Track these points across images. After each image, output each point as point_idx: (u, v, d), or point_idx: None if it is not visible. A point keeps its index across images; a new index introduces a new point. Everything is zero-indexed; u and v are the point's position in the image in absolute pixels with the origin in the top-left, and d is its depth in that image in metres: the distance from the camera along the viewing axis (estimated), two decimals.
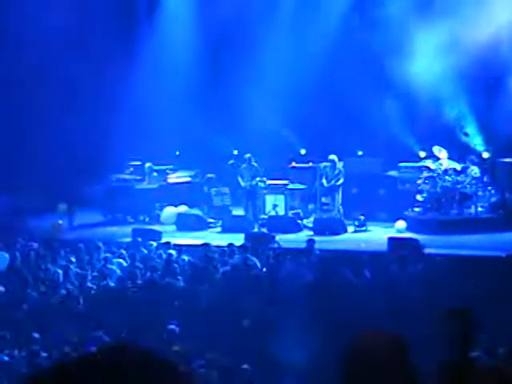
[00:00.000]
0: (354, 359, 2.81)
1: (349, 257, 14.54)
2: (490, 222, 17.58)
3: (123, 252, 15.19)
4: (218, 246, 15.35)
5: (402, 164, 19.22)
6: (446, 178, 17.98)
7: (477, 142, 19.15)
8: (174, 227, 19.30)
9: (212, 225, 19.46)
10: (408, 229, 17.74)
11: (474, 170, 18.16)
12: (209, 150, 21.58)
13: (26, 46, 20.95)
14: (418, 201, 18.27)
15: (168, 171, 21.41)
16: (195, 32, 22.49)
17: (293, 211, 19.25)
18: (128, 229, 18.17)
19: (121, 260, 14.75)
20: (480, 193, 18.10)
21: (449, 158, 18.32)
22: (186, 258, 14.73)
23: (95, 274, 14.08)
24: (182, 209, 20.06)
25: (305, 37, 20.83)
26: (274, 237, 16.71)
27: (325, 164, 19.01)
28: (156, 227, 18.45)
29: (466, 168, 18.18)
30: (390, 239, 15.81)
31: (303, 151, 21.05)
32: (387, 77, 19.22)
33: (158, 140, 21.09)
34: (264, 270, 13.90)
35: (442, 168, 18.07)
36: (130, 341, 2.21)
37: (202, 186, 20.78)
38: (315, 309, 11.21)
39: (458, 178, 18.02)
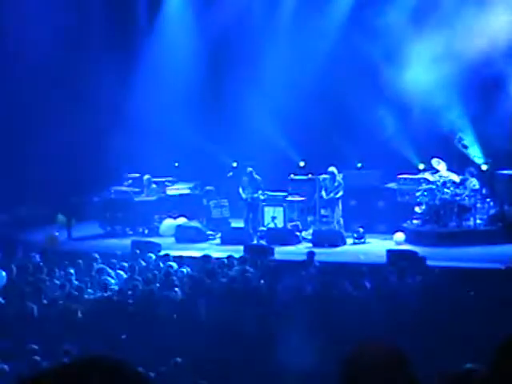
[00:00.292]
0: (354, 371, 2.81)
1: (348, 269, 14.54)
2: (489, 235, 17.56)
3: (123, 264, 15.16)
4: (217, 258, 15.35)
5: (400, 176, 19.22)
6: (445, 190, 17.98)
7: (475, 153, 19.16)
8: (173, 239, 19.29)
9: (211, 237, 19.46)
10: (407, 241, 17.74)
11: (473, 182, 18.17)
12: (208, 161, 21.58)
13: (24, 51, 20.91)
14: (417, 213, 18.27)
15: (167, 183, 21.41)
16: (195, 41, 22.47)
17: (292, 223, 19.25)
18: (127, 241, 18.15)
19: (121, 272, 14.73)
20: (479, 205, 18.10)
21: (448, 170, 18.33)
22: (184, 270, 14.72)
23: (93, 285, 14.05)
24: (181, 221, 20.06)
25: (304, 48, 20.85)
26: (273, 249, 16.72)
27: (324, 176, 19.02)
28: (155, 239, 18.44)
29: (465, 180, 18.20)
30: (389, 251, 15.80)
31: (302, 163, 21.07)
32: (386, 88, 19.25)
33: (156, 152, 21.09)
34: (262, 281, 13.89)
35: (441, 180, 18.08)
36: (120, 352, 2.22)
37: (200, 198, 20.77)
38: (314, 321, 11.20)
39: (457, 191, 18.02)
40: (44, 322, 12.51)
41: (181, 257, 15.78)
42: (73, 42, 21.51)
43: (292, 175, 20.24)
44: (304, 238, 18.70)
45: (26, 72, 20.77)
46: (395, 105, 19.43)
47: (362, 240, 18.33)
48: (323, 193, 18.86)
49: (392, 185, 19.41)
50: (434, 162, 18.47)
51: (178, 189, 21.31)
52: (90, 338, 11.40)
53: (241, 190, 19.40)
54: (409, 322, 11.34)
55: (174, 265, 14.74)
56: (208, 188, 20.84)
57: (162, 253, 16.42)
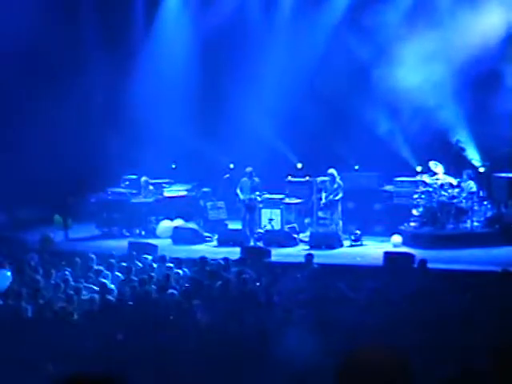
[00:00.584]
0: (354, 374, 2.79)
1: (345, 271, 14.53)
2: (486, 237, 17.59)
3: (121, 264, 15.13)
4: (214, 260, 15.33)
5: (398, 178, 19.24)
6: (442, 192, 17.99)
7: (473, 156, 19.17)
8: (169, 241, 19.27)
9: (208, 239, 19.44)
10: (404, 243, 17.74)
11: (470, 185, 18.18)
12: (205, 163, 21.58)
13: (16, 50, 20.83)
14: (414, 215, 18.28)
15: (164, 185, 21.39)
16: (192, 42, 22.46)
17: (289, 225, 19.23)
18: (124, 242, 18.12)
19: (118, 274, 14.70)
20: (476, 207, 18.11)
21: (445, 173, 18.34)
22: (181, 271, 14.70)
23: (89, 286, 14.02)
24: (178, 222, 20.03)
25: (300, 49, 20.90)
26: (269, 251, 16.71)
27: (322, 178, 19.01)
28: (152, 241, 18.42)
29: (462, 182, 18.21)
30: (386, 253, 15.80)
31: (299, 165, 21.06)
32: (383, 90, 19.25)
33: (153, 153, 21.08)
34: (258, 284, 13.87)
35: (438, 182, 18.09)
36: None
37: (197, 199, 20.75)
38: (311, 323, 11.18)
39: (454, 193, 18.04)
40: (39, 322, 12.47)
41: (177, 258, 15.75)
42: (68, 41, 21.47)
43: (289, 177, 20.23)
44: (301, 240, 18.69)
45: (22, 71, 20.73)
46: (393, 106, 19.44)
47: (359, 242, 18.33)
48: (323, 195, 18.84)
49: (389, 187, 19.43)
50: (432, 164, 18.48)
51: (175, 190, 21.29)
52: (86, 339, 11.37)
53: (239, 191, 19.34)
54: (406, 324, 11.32)
55: (171, 266, 14.72)
56: (205, 190, 20.83)
57: (159, 254, 16.39)
